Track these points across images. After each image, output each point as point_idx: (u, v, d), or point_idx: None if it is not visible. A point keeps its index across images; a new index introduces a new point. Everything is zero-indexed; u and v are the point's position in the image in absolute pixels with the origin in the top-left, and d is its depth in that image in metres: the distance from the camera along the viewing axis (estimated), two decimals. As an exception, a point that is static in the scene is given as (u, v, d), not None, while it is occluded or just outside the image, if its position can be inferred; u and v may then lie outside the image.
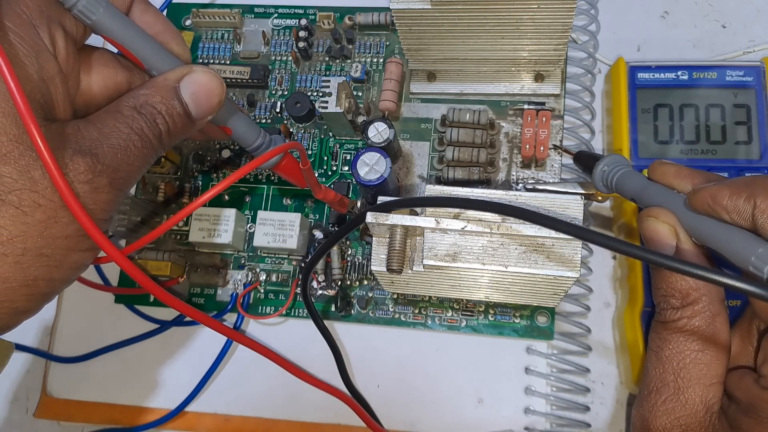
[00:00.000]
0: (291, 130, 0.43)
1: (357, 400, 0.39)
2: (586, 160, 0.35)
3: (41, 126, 0.22)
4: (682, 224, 0.29)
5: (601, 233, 0.25)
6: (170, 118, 0.27)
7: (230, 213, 0.39)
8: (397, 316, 0.40)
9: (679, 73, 0.40)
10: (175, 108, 0.28)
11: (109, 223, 0.27)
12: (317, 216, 0.41)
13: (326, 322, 0.39)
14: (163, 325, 0.42)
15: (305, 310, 0.40)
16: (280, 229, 0.38)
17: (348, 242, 0.41)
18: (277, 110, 0.43)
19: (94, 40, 0.28)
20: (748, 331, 0.31)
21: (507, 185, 0.40)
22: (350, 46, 0.44)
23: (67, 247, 0.24)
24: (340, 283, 0.40)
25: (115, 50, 0.29)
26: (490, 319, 0.39)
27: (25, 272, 0.24)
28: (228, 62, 0.45)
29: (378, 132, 0.37)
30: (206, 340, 0.41)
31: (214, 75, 0.29)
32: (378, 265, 0.31)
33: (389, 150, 0.37)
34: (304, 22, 0.44)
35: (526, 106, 0.40)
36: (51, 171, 0.22)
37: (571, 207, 0.29)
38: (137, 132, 0.26)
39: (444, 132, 0.40)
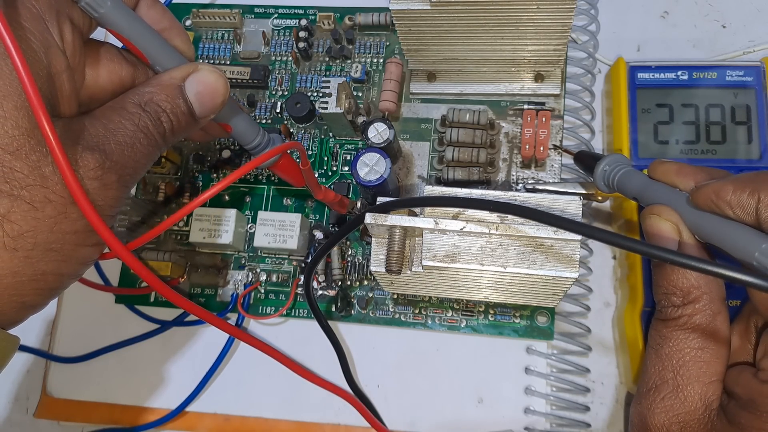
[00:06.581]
0: (291, 130, 0.43)
1: (360, 399, 0.39)
2: (586, 160, 0.35)
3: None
4: (684, 221, 0.29)
5: (604, 229, 0.25)
6: (174, 116, 0.28)
7: (230, 213, 0.39)
8: (397, 316, 0.40)
9: (679, 73, 0.40)
10: (180, 107, 0.28)
11: (114, 219, 0.27)
12: (317, 216, 0.41)
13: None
14: (164, 325, 0.42)
15: (306, 310, 0.40)
16: (280, 230, 0.38)
17: (348, 242, 0.41)
18: (277, 110, 0.44)
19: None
20: (746, 328, 0.31)
21: (507, 185, 0.40)
22: (350, 47, 0.44)
23: (75, 243, 0.25)
24: (340, 283, 0.40)
25: (120, 44, 0.29)
26: (490, 319, 0.39)
27: (34, 267, 0.24)
28: (228, 62, 0.45)
29: (378, 132, 0.37)
30: (206, 340, 0.42)
31: (219, 74, 0.29)
32: (377, 265, 0.31)
33: (389, 150, 0.37)
34: (304, 22, 0.44)
35: (526, 106, 0.40)
36: (62, 167, 0.23)
37: (570, 207, 0.29)
38: (142, 129, 0.26)
39: (444, 132, 0.40)
